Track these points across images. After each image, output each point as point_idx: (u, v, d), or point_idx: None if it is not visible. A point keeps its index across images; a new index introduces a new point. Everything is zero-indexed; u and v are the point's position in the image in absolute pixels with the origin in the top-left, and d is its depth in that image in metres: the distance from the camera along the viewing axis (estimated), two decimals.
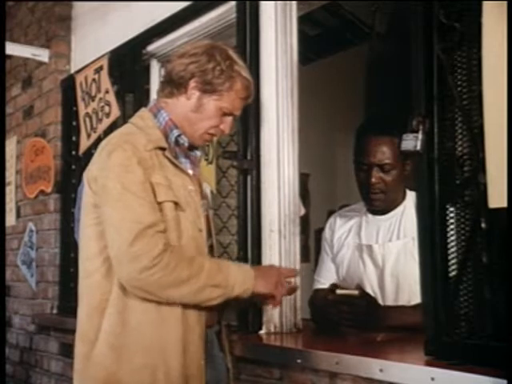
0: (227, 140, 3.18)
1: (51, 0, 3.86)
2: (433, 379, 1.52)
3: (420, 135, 1.68)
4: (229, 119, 1.90)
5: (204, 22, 2.80)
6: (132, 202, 1.70)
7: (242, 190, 2.40)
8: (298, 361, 1.91)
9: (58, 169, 3.74)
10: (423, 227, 1.71)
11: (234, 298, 1.80)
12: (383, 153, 2.28)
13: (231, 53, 1.88)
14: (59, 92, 3.78)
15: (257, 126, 2.38)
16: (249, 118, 2.38)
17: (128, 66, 3.23)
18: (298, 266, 2.35)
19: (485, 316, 1.56)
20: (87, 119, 3.44)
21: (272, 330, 2.28)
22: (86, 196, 1.84)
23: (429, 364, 1.60)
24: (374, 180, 2.29)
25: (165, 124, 1.87)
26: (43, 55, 3.85)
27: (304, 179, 4.21)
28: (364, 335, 2.11)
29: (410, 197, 2.36)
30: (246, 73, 1.89)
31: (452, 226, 1.66)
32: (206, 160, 2.99)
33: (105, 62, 3.30)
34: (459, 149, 1.65)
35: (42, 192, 3.87)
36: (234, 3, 2.55)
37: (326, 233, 2.54)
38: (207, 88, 1.83)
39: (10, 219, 4.25)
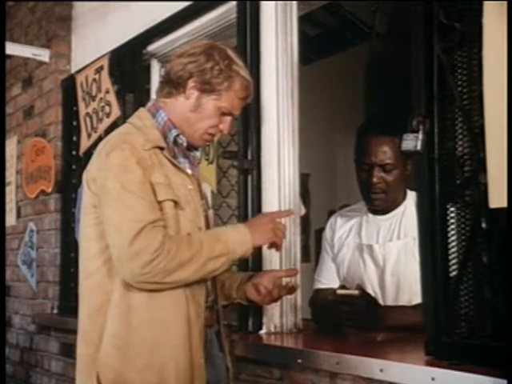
0: (228, 140, 3.18)
1: (51, 0, 3.86)
2: (433, 379, 1.52)
3: (420, 135, 1.68)
4: (228, 119, 1.89)
5: (204, 22, 2.80)
6: (131, 202, 1.70)
7: (242, 190, 2.40)
8: (299, 361, 1.91)
9: (58, 169, 3.74)
10: (424, 227, 1.71)
11: (239, 259, 1.84)
12: (384, 153, 2.28)
13: (230, 52, 1.88)
14: (59, 92, 3.78)
15: (257, 126, 2.39)
16: (249, 118, 2.38)
17: (128, 65, 3.23)
18: (298, 266, 2.35)
19: (485, 316, 1.56)
20: (88, 119, 3.44)
21: (272, 329, 2.28)
22: (86, 196, 1.84)
23: (429, 364, 1.60)
24: (375, 180, 2.29)
25: (163, 124, 1.87)
26: (43, 55, 3.86)
27: (304, 179, 4.21)
28: (364, 335, 2.11)
29: (411, 197, 2.36)
30: (244, 72, 1.88)
31: (452, 226, 1.66)
32: (207, 160, 2.99)
33: (105, 62, 3.30)
34: (460, 149, 1.65)
35: (42, 192, 3.87)
36: (234, 3, 2.55)
37: (327, 233, 2.54)
38: (206, 88, 1.83)
39: (11, 219, 4.25)
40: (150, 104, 1.94)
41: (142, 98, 3.12)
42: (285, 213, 2.17)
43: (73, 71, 3.77)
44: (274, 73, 2.39)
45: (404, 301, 2.27)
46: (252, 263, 2.32)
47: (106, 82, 3.28)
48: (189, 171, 1.89)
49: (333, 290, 2.23)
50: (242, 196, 2.40)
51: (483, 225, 1.56)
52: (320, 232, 2.82)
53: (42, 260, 3.83)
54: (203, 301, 1.85)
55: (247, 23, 2.45)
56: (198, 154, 1.97)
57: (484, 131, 1.52)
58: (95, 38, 3.62)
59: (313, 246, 4.56)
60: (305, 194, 4.14)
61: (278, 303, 2.28)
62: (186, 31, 2.90)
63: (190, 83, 1.83)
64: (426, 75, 1.70)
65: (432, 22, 1.69)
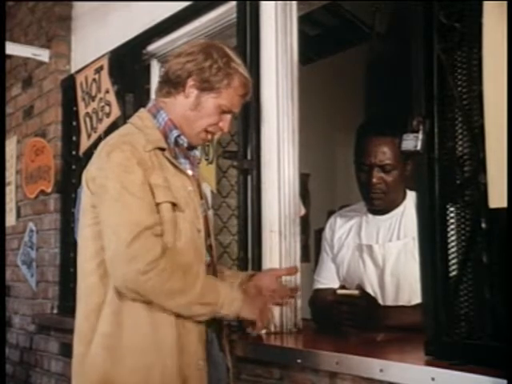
0: (227, 140, 3.18)
1: (51, 0, 3.86)
2: (433, 379, 1.52)
3: (420, 135, 1.68)
4: (228, 117, 1.89)
5: (204, 22, 2.80)
6: (131, 203, 1.70)
7: (242, 190, 2.40)
8: (298, 361, 1.91)
9: (58, 169, 3.74)
10: (423, 227, 1.71)
11: (220, 317, 1.84)
12: (384, 153, 2.28)
13: (228, 50, 1.88)
14: (59, 92, 3.78)
15: (257, 126, 2.38)
16: (249, 118, 2.38)
17: (128, 65, 3.23)
18: (298, 266, 2.35)
19: (485, 316, 1.56)
20: (87, 119, 3.44)
21: (272, 329, 2.27)
22: (85, 197, 1.83)
23: (429, 364, 1.60)
24: (374, 180, 2.29)
25: (164, 124, 1.87)
26: (43, 55, 3.86)
27: (304, 179, 4.21)
28: (364, 335, 2.11)
29: (411, 197, 2.36)
30: (243, 70, 1.88)
31: (452, 226, 1.66)
32: (207, 160, 2.99)
33: (105, 62, 3.30)
34: (459, 149, 1.65)
35: (42, 192, 3.87)
36: (234, 3, 2.55)
37: (327, 233, 2.54)
38: (205, 86, 1.83)
39: (10, 219, 4.25)
40: (150, 104, 1.94)
41: (141, 98, 3.12)
42: (288, 271, 2.19)
43: (73, 71, 3.77)
44: (273, 73, 2.39)
45: (404, 301, 2.27)
46: (252, 263, 2.32)
47: (106, 82, 3.28)
48: (189, 172, 1.89)
49: (333, 290, 2.23)
50: (241, 196, 2.39)
51: (483, 225, 1.56)
52: (320, 232, 2.82)
53: (42, 260, 3.82)
54: None
55: (247, 23, 2.45)
56: (197, 153, 1.97)
57: (484, 131, 1.52)
58: (95, 38, 3.62)
59: (312, 246, 4.56)
60: (305, 194, 4.13)
61: None
62: (186, 31, 2.90)
63: (189, 82, 1.84)
64: (425, 75, 1.70)
65: (432, 22, 1.69)
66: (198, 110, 1.85)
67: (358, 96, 4.84)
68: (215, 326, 1.92)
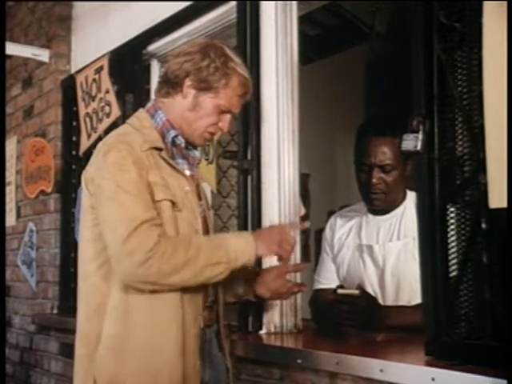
0: (227, 140, 3.18)
1: (51, 0, 3.86)
2: (433, 379, 1.52)
3: (420, 135, 1.68)
4: (227, 117, 1.89)
5: (204, 22, 2.80)
6: (126, 200, 1.69)
7: (242, 190, 2.40)
8: (298, 361, 1.91)
9: (58, 169, 3.74)
10: (423, 227, 1.71)
11: (242, 268, 1.81)
12: (384, 153, 2.28)
13: (227, 50, 1.87)
14: (59, 92, 3.78)
15: (257, 126, 2.38)
16: (249, 118, 2.38)
17: (128, 66, 3.23)
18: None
19: (485, 316, 1.56)
20: (87, 119, 3.44)
21: (272, 330, 2.28)
22: (84, 198, 1.84)
23: (429, 364, 1.60)
24: (374, 180, 2.29)
25: (162, 124, 1.86)
26: (43, 55, 3.86)
27: (304, 179, 4.21)
28: (364, 335, 2.11)
29: (411, 197, 2.36)
30: (242, 69, 1.87)
31: (452, 226, 1.66)
32: (207, 160, 2.99)
33: (105, 62, 3.30)
34: (459, 149, 1.65)
35: (42, 192, 3.87)
36: (234, 3, 2.55)
37: (327, 233, 2.54)
38: (202, 86, 1.83)
39: (10, 219, 4.25)
40: (149, 104, 1.94)
41: (141, 98, 3.12)
42: (299, 225, 2.14)
43: (73, 71, 3.77)
44: (273, 73, 2.39)
45: (404, 301, 2.27)
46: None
47: (106, 82, 3.28)
48: (187, 172, 1.88)
49: (333, 290, 2.23)
50: (241, 196, 2.39)
51: (483, 225, 1.56)
52: (320, 232, 2.82)
53: (42, 260, 3.82)
54: (201, 302, 1.85)
55: (247, 23, 2.45)
56: (197, 153, 1.96)
57: (484, 131, 1.52)
58: (95, 38, 3.62)
59: (313, 246, 4.56)
60: (305, 194, 4.13)
61: (278, 303, 2.28)
62: (186, 31, 2.90)
63: (187, 82, 1.83)
64: (425, 75, 1.70)
65: (432, 22, 1.69)
66: (197, 111, 1.85)
67: (358, 96, 4.84)
68: (215, 326, 1.92)
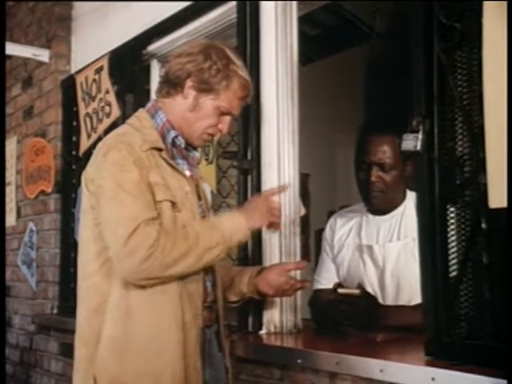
0: (227, 140, 3.18)
1: (51, 0, 3.86)
2: (433, 379, 1.52)
3: (420, 135, 1.68)
4: (227, 118, 1.89)
5: (204, 22, 2.80)
6: (126, 200, 1.70)
7: (242, 190, 2.39)
8: (299, 361, 1.91)
9: (58, 169, 3.74)
10: (423, 227, 1.71)
11: (237, 245, 1.86)
12: (384, 152, 2.28)
13: (228, 52, 1.87)
14: (59, 92, 3.78)
15: (257, 126, 2.38)
16: (249, 118, 2.38)
17: (128, 66, 3.23)
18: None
19: (485, 316, 1.56)
20: (87, 119, 3.44)
21: (272, 330, 2.28)
22: (84, 198, 1.84)
23: (429, 364, 1.60)
24: (373, 179, 2.29)
25: (162, 125, 1.86)
26: (43, 55, 3.85)
27: (304, 179, 4.21)
28: (364, 335, 2.11)
29: (411, 197, 2.36)
30: (243, 72, 1.88)
31: (452, 227, 1.66)
32: (206, 160, 2.99)
33: (105, 63, 3.30)
34: (459, 149, 1.65)
35: (42, 192, 3.87)
36: (234, 3, 2.55)
37: (327, 233, 2.54)
38: (203, 87, 1.83)
39: (11, 219, 4.25)
40: (149, 105, 1.94)
41: (141, 99, 3.11)
42: (278, 189, 2.14)
43: (73, 71, 3.77)
44: (273, 73, 2.39)
45: (404, 301, 2.27)
46: (252, 263, 2.32)
47: (106, 82, 3.28)
48: (187, 172, 1.89)
49: (333, 288, 2.22)
50: (241, 196, 2.39)
51: (483, 225, 1.56)
52: (320, 232, 2.82)
53: (42, 260, 3.82)
54: (201, 302, 1.84)
55: (247, 23, 2.45)
56: (197, 154, 1.96)
57: (484, 131, 1.52)
58: (95, 39, 3.62)
59: (313, 247, 4.56)
60: (305, 194, 4.13)
61: (278, 303, 2.28)
62: (186, 31, 2.90)
63: (188, 83, 1.83)
64: (425, 75, 1.70)
65: (432, 22, 1.69)
66: (197, 112, 1.85)
67: (358, 96, 4.84)
68: (215, 326, 1.92)
